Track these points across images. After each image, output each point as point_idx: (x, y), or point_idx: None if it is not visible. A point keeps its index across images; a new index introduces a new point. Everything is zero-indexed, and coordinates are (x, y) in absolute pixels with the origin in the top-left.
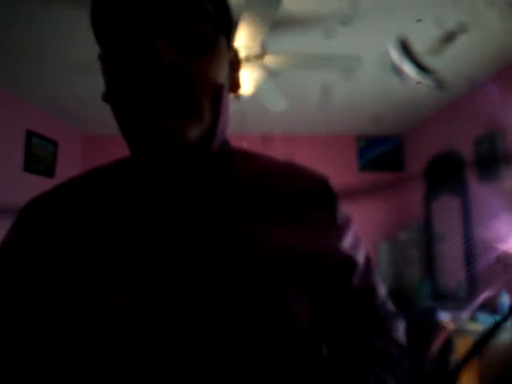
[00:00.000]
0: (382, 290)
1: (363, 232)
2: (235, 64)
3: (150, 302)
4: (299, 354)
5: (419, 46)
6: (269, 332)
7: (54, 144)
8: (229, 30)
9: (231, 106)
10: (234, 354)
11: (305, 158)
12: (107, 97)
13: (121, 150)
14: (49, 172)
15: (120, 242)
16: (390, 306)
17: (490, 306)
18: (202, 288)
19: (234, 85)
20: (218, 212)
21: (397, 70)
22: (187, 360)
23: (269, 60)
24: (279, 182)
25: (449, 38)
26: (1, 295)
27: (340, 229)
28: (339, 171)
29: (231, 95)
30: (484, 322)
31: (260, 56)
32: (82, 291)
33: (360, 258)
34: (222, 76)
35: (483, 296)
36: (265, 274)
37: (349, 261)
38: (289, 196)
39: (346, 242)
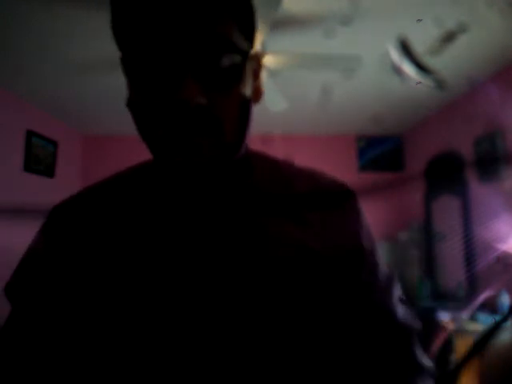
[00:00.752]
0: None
1: None
2: (257, 72)
3: (176, 308)
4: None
5: (419, 46)
6: (300, 334)
7: (54, 144)
8: (253, 42)
9: None
10: (258, 357)
11: (305, 158)
12: (131, 105)
13: (121, 150)
14: (49, 172)
15: (146, 248)
16: (422, 359)
17: (489, 306)
18: (228, 292)
19: (257, 93)
20: (238, 215)
21: (397, 70)
22: (212, 364)
23: (269, 60)
24: (297, 185)
25: (449, 37)
26: (31, 299)
27: (364, 229)
28: (339, 171)
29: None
30: (484, 321)
31: (260, 56)
32: (105, 295)
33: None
34: (248, 95)
35: (483, 296)
36: (290, 275)
37: (368, 260)
38: (307, 198)
39: (367, 244)
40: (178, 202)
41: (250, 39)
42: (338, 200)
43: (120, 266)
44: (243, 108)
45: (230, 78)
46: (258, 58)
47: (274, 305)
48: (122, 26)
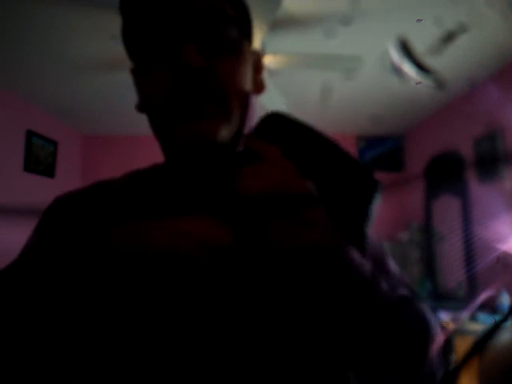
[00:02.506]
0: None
1: None
2: (258, 66)
3: (181, 306)
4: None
5: (419, 46)
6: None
7: (54, 144)
8: (250, 34)
9: None
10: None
11: None
12: (142, 107)
13: (121, 150)
14: (49, 172)
15: None
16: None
17: (489, 306)
18: (234, 291)
19: (258, 86)
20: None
21: (397, 70)
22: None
23: (269, 60)
24: None
25: (449, 37)
26: (28, 295)
27: None
28: None
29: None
30: (484, 321)
31: (260, 54)
32: (107, 295)
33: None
34: (247, 79)
35: (483, 296)
36: (295, 272)
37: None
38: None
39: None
40: (184, 197)
41: (247, 24)
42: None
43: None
44: (243, 78)
45: (229, 47)
46: (258, 55)
47: (280, 302)
48: (129, 16)
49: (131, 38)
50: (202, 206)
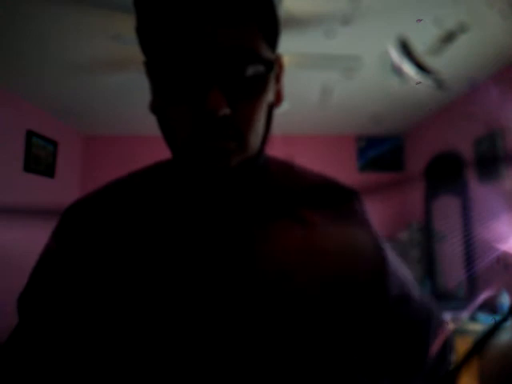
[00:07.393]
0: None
1: None
2: (278, 76)
3: (180, 312)
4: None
5: (419, 46)
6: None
7: (54, 144)
8: (276, 47)
9: None
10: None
11: (305, 158)
12: (155, 109)
13: (121, 150)
14: (49, 172)
15: (158, 252)
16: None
17: (489, 306)
18: (232, 297)
19: (278, 98)
20: (253, 223)
21: (397, 70)
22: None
23: None
24: (314, 193)
25: (449, 37)
26: (46, 301)
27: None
28: (339, 171)
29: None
30: (484, 321)
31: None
32: (113, 297)
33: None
34: (271, 102)
35: (483, 296)
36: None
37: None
38: (324, 206)
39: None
40: (195, 207)
41: (274, 46)
42: (346, 201)
43: (127, 270)
44: (266, 116)
45: (255, 88)
46: (279, 60)
47: (277, 309)
48: (148, 34)
49: (156, 67)
50: (213, 219)
